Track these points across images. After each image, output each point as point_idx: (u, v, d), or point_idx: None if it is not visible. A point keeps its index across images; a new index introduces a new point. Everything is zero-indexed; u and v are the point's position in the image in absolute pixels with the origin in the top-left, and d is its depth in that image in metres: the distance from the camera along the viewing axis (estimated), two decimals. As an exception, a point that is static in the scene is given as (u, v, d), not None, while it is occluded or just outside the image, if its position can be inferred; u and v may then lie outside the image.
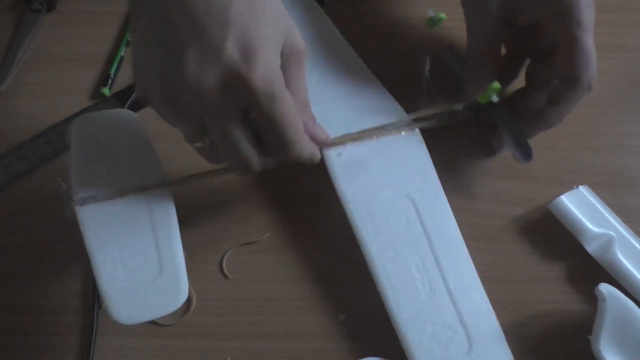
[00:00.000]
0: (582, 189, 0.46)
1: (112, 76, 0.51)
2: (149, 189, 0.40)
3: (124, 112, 0.44)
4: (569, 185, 0.46)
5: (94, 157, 0.41)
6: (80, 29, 0.54)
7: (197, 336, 0.42)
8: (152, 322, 0.42)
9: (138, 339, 0.42)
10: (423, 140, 0.46)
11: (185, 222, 0.45)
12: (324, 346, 0.42)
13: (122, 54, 0.52)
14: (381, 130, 0.46)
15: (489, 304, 0.41)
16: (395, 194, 0.44)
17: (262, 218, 0.46)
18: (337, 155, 0.44)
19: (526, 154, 0.45)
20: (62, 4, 0.55)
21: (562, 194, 0.46)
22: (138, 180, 0.40)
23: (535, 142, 0.49)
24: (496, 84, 0.45)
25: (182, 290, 0.38)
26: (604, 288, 0.39)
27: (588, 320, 0.40)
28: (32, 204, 0.46)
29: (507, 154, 0.49)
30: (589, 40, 0.41)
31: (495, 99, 0.46)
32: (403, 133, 0.46)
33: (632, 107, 0.52)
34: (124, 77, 0.52)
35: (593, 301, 0.40)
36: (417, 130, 0.46)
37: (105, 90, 0.51)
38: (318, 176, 0.44)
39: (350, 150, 0.44)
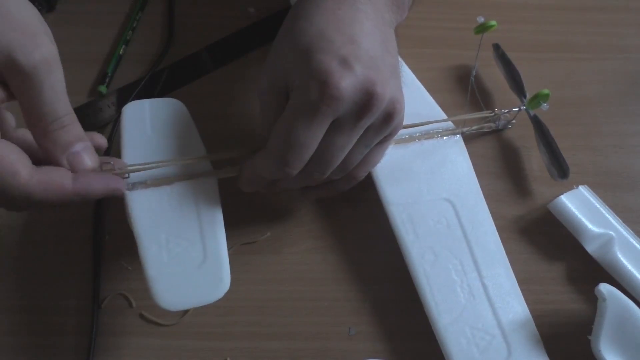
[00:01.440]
0: (582, 189, 0.46)
1: (109, 74, 0.51)
2: (195, 177, 0.41)
3: (173, 101, 0.44)
4: (569, 185, 0.46)
5: (143, 143, 0.41)
6: (80, 29, 0.54)
7: (197, 336, 0.42)
8: (152, 322, 0.42)
9: (138, 339, 0.42)
10: (464, 146, 0.47)
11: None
12: (324, 346, 0.42)
13: (120, 52, 0.52)
14: (424, 135, 0.46)
15: (528, 312, 0.41)
16: (435, 197, 0.44)
17: (262, 218, 0.46)
18: None
19: (562, 172, 0.46)
20: (62, 4, 0.55)
21: (562, 194, 0.46)
22: (185, 168, 0.41)
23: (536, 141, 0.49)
24: (545, 90, 0.46)
25: (224, 280, 0.37)
26: (604, 288, 0.39)
27: (588, 320, 0.40)
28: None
29: (506, 154, 0.49)
30: (292, 122, 0.35)
31: (545, 107, 0.46)
32: (445, 138, 0.47)
33: (632, 107, 0.52)
34: (121, 75, 0.52)
35: (593, 301, 0.40)
36: (458, 135, 0.47)
37: (103, 88, 0.51)
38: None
39: (393, 153, 0.44)
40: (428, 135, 0.46)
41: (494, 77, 0.53)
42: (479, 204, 0.44)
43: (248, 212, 0.46)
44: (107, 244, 0.45)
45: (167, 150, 0.41)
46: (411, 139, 0.46)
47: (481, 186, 0.45)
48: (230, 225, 0.42)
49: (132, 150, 0.41)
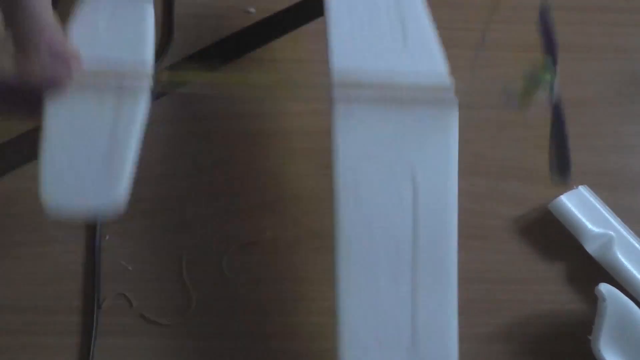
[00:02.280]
0: (582, 189, 0.46)
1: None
2: (128, 76, 0.36)
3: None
4: (569, 185, 0.46)
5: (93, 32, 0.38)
6: (80, 28, 0.54)
7: (197, 336, 0.42)
8: (153, 322, 0.42)
9: (138, 339, 0.42)
10: (457, 120, 0.37)
11: (185, 222, 0.45)
12: (324, 346, 0.42)
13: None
14: (412, 99, 0.37)
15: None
16: (397, 171, 0.35)
17: (262, 218, 0.46)
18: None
19: (563, 170, 0.37)
20: (62, 4, 0.55)
21: (562, 194, 0.46)
22: (123, 62, 0.37)
23: (537, 141, 0.49)
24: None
25: (120, 188, 0.34)
26: (604, 288, 0.39)
27: (588, 320, 0.40)
28: (32, 202, 0.46)
29: (506, 153, 0.49)
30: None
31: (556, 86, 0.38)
32: (437, 108, 0.37)
33: (632, 107, 0.52)
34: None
35: (593, 301, 0.40)
36: (455, 106, 0.37)
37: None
38: (320, 174, 0.44)
39: (368, 114, 0.36)
40: (416, 99, 0.37)
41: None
42: (448, 197, 0.36)
43: (248, 212, 0.46)
44: (107, 244, 0.45)
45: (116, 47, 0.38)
46: (395, 100, 0.37)
47: (480, 186, 0.45)
48: (230, 225, 0.42)
49: (79, 38, 0.37)
